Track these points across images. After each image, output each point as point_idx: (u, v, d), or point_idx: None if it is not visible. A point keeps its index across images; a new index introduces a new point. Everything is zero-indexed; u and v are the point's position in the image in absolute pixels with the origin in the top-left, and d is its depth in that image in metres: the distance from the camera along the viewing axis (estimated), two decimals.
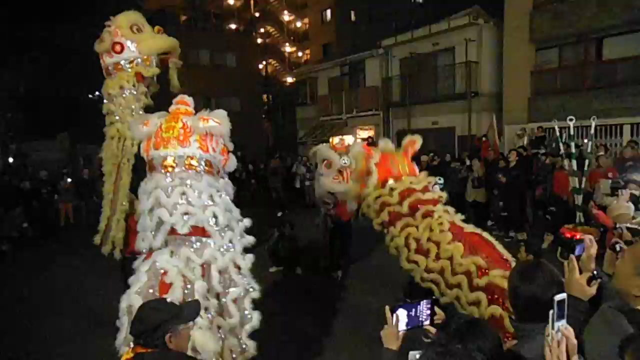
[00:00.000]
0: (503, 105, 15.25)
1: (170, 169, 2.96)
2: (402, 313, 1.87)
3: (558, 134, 8.07)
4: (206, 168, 3.03)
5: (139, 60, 4.42)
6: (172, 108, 3.19)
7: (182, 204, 2.89)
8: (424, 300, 1.93)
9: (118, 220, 4.53)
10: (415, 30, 17.78)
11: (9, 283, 7.58)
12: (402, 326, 1.87)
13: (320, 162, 6.24)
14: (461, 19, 16.37)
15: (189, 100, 3.25)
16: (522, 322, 1.84)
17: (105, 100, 4.55)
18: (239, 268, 3.06)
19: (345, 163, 5.52)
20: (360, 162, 4.39)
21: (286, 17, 34.87)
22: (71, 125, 22.92)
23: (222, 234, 3.01)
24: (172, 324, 2.10)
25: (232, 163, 3.27)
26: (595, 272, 1.83)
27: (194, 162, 2.98)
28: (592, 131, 7.71)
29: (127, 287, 4.96)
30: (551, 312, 1.47)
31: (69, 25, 22.59)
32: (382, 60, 19.24)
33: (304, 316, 5.59)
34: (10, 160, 22.28)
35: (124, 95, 4.41)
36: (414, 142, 4.58)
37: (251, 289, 3.10)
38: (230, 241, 3.05)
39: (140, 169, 4.11)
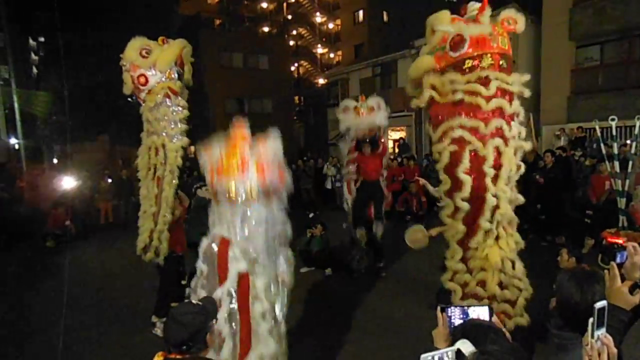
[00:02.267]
0: (541, 105, 14.77)
1: (232, 199, 3.10)
2: (454, 314, 1.80)
3: (599, 134, 7.77)
4: (264, 195, 3.14)
5: (163, 78, 4.61)
6: (230, 133, 3.25)
7: (242, 237, 3.08)
8: (482, 306, 1.83)
9: (161, 231, 4.69)
10: None
11: (53, 277, 7.96)
12: (451, 327, 1.79)
13: (341, 112, 7.46)
14: (497, 17, 15.94)
15: (244, 124, 3.28)
16: (565, 331, 1.78)
17: (142, 109, 4.75)
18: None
19: (360, 104, 7.16)
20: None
21: (318, 18, 35.01)
22: (111, 127, 23.87)
23: (275, 256, 3.22)
24: (209, 322, 2.16)
25: (286, 180, 3.31)
26: (637, 282, 1.75)
27: (252, 191, 3.10)
28: (637, 131, 7.36)
29: (165, 282, 5.13)
30: (591, 320, 1.42)
31: (109, 31, 23.51)
32: (415, 60, 18.98)
33: (330, 318, 5.60)
34: (55, 161, 23.37)
35: (159, 108, 4.62)
36: None
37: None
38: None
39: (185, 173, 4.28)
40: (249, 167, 3.07)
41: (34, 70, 29.28)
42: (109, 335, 5.35)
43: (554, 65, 14.16)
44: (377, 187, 7.33)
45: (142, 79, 4.62)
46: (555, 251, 5.15)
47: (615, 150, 7.15)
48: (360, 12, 29.74)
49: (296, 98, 32.62)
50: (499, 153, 3.38)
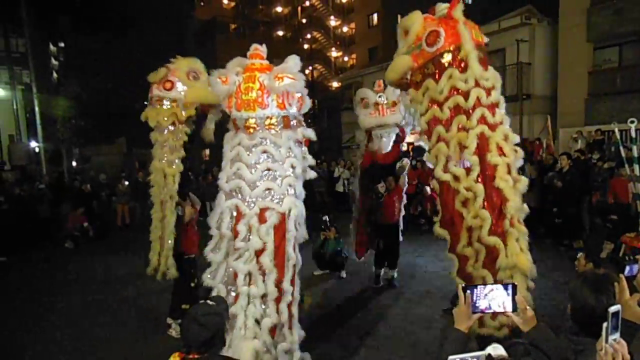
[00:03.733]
0: (558, 107, 14.58)
1: (252, 130, 3.21)
2: (477, 293, 1.77)
3: (618, 137, 7.61)
4: (284, 124, 3.25)
5: (181, 103, 4.60)
6: (247, 62, 3.36)
7: (263, 162, 3.16)
8: (505, 285, 1.79)
9: (167, 256, 4.73)
10: None
11: (70, 276, 8.11)
12: (477, 307, 1.76)
13: (358, 103, 6.52)
14: (513, 19, 15.83)
15: (263, 51, 3.41)
16: (581, 335, 1.76)
17: (144, 113, 4.76)
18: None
19: (381, 99, 6.08)
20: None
21: (333, 22, 35.09)
22: (128, 130, 24.25)
23: (299, 183, 3.28)
24: (225, 321, 2.22)
25: (307, 104, 3.44)
26: None
27: (273, 121, 3.20)
28: None
29: (179, 284, 5.18)
30: (605, 324, 1.41)
31: (128, 36, 23.94)
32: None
33: (342, 321, 5.59)
34: (74, 163, 23.84)
35: (162, 133, 4.62)
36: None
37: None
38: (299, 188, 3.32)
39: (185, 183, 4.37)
40: (268, 97, 3.15)
41: (54, 75, 29.95)
42: (125, 335, 5.43)
43: (571, 67, 13.95)
44: (393, 229, 6.83)
45: (169, 85, 4.63)
46: (573, 256, 5.08)
47: (635, 154, 7.00)
48: (375, 16, 29.74)
49: (310, 101, 32.66)
50: (485, 140, 3.39)
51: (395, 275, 6.93)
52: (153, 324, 5.58)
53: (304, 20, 37.35)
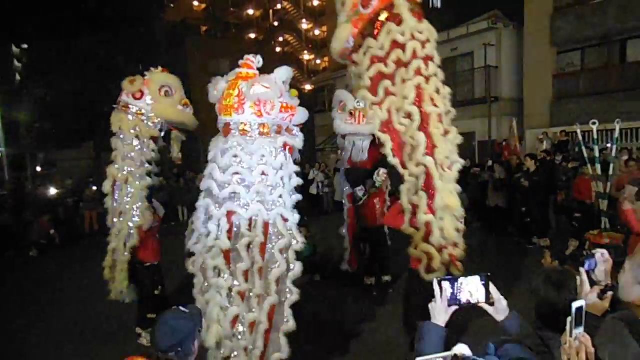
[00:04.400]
0: (524, 110, 15.03)
1: (227, 133, 3.30)
2: (450, 286, 1.76)
3: (581, 138, 7.92)
4: (261, 130, 3.29)
5: (145, 116, 4.53)
6: (237, 70, 3.44)
7: (233, 166, 3.22)
8: (477, 276, 1.79)
9: (121, 270, 4.63)
10: None
11: (36, 288, 7.81)
12: (450, 300, 1.75)
13: (337, 105, 6.48)
14: (480, 23, 16.25)
15: (255, 61, 3.48)
16: (546, 331, 1.80)
17: (112, 117, 4.65)
18: (286, 221, 3.35)
19: (358, 105, 5.88)
20: None
21: (305, 25, 35.14)
22: (96, 134, 23.52)
23: (273, 190, 3.27)
24: (197, 329, 2.19)
25: (301, 115, 3.50)
26: (607, 286, 1.78)
27: (247, 128, 3.27)
28: (617, 135, 7.53)
29: (143, 293, 5.07)
30: (569, 319, 1.44)
31: (95, 37, 23.31)
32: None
33: (319, 329, 5.58)
34: (39, 169, 23.00)
35: (125, 142, 4.54)
36: None
37: (294, 242, 3.35)
38: (281, 196, 3.31)
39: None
40: (244, 104, 3.22)
41: (17, 77, 28.86)
42: (95, 345, 5.26)
43: (537, 70, 14.42)
44: (381, 234, 6.64)
45: (139, 94, 4.55)
46: (541, 254, 5.23)
47: (597, 154, 7.30)
48: None
49: (305, 111, 32.59)
50: (421, 91, 3.58)
51: (389, 279, 6.70)
52: (123, 333, 5.42)
53: (275, 24, 37.26)
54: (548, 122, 13.99)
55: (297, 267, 3.38)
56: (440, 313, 1.74)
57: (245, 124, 3.26)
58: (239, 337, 3.19)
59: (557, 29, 13.81)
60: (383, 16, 3.62)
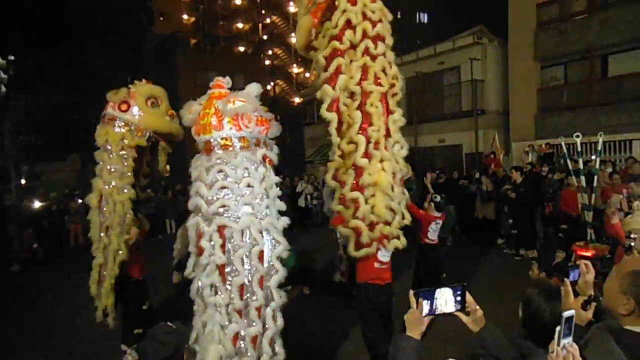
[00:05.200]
0: (510, 122, 15.28)
1: (209, 151, 3.34)
2: (427, 298, 1.75)
3: (565, 150, 8.07)
4: (242, 144, 3.34)
5: (133, 127, 4.51)
6: (209, 92, 3.49)
7: (219, 181, 3.24)
8: (454, 286, 1.80)
9: (108, 285, 4.51)
10: (420, 50, 18.00)
11: (18, 304, 7.62)
12: (426, 311, 1.74)
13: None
14: (466, 38, 16.56)
15: (225, 82, 3.55)
16: (526, 341, 1.81)
17: (97, 132, 4.59)
18: (275, 228, 3.39)
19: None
20: None
21: (293, 39, 35.44)
22: (82, 146, 23.22)
23: (260, 201, 3.31)
24: (185, 343, 2.20)
25: (275, 129, 3.54)
26: (591, 296, 1.80)
27: (228, 143, 3.32)
28: (600, 147, 7.69)
29: (126, 309, 4.97)
30: (558, 328, 1.45)
31: (81, 49, 23.18)
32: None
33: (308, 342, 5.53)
34: (23, 181, 22.60)
35: (111, 155, 4.47)
36: None
37: (277, 244, 3.36)
38: (267, 207, 3.36)
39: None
40: (222, 120, 3.27)
41: (3, 88, 28.53)
42: None
43: (521, 84, 14.70)
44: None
45: (125, 106, 4.51)
46: (528, 265, 5.27)
47: (581, 166, 7.43)
48: None
49: (278, 125, 32.73)
50: (366, 69, 3.62)
51: None
52: (107, 352, 5.30)
53: (265, 37, 37.52)
54: (533, 135, 14.22)
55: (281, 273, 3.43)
56: (415, 325, 1.72)
57: (226, 139, 3.31)
58: (244, 353, 3.15)
59: (540, 44, 14.14)
60: (338, 1, 3.67)
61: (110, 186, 4.47)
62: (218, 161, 3.27)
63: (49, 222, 12.48)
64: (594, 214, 7.29)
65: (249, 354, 3.16)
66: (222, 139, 3.30)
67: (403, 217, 3.74)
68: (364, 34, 3.60)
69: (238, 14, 41.68)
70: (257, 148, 3.43)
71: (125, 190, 4.50)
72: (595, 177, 7.35)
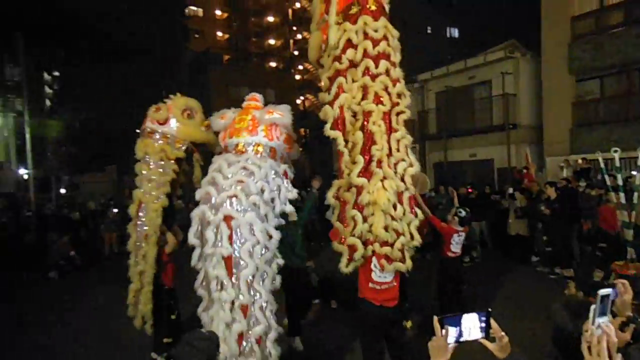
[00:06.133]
0: (544, 137, 14.91)
1: (240, 152, 3.45)
2: (451, 324, 1.71)
3: (603, 165, 7.80)
4: (270, 154, 3.49)
5: (171, 139, 4.67)
6: (244, 104, 3.64)
7: (238, 174, 3.34)
8: (478, 312, 1.75)
9: (147, 293, 4.62)
10: (450, 65, 17.91)
11: (53, 308, 7.90)
12: (452, 339, 1.70)
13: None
14: (497, 52, 16.38)
15: (260, 97, 3.72)
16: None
17: (137, 146, 4.78)
18: (271, 237, 3.45)
19: None
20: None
21: None
22: (119, 158, 24.13)
23: (264, 207, 3.41)
24: (218, 350, 2.30)
25: (295, 151, 3.71)
26: (629, 317, 1.74)
27: (260, 149, 3.45)
28: None
29: (157, 318, 5.06)
30: (593, 307, 1.41)
31: (122, 66, 24.23)
32: (418, 93, 19.38)
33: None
34: (63, 190, 23.59)
35: (151, 165, 4.64)
36: None
37: (266, 251, 3.42)
38: (266, 215, 3.43)
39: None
40: (258, 126, 3.39)
41: (48, 102, 30.08)
42: None
43: (555, 98, 14.36)
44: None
45: (164, 121, 4.70)
46: (564, 284, 5.09)
47: (620, 182, 7.16)
48: None
49: (302, 130, 33.10)
50: (366, 89, 3.59)
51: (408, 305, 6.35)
52: (139, 358, 5.42)
53: (295, 52, 38.18)
54: (568, 150, 13.82)
55: (278, 280, 3.51)
56: (440, 353, 1.68)
57: (259, 145, 3.42)
58: (249, 353, 3.12)
59: (575, 57, 13.81)
60: (340, 19, 3.69)
61: (149, 195, 4.63)
62: (248, 161, 3.34)
63: (86, 231, 12.95)
64: (634, 232, 6.99)
65: (254, 354, 3.11)
66: (255, 143, 3.38)
67: (412, 238, 3.61)
68: (365, 53, 3.59)
69: (270, 30, 42.68)
70: (282, 162, 3.49)
71: (160, 198, 4.64)
72: (636, 194, 7.05)
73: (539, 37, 14.81)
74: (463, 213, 5.89)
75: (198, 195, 3.41)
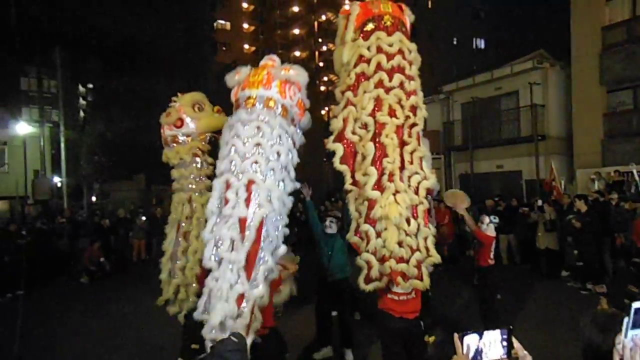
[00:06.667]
0: (574, 149, 14.55)
1: (251, 105, 3.37)
2: (472, 341, 1.68)
3: (637, 177, 7.57)
4: (282, 112, 3.40)
5: (195, 136, 4.80)
6: (261, 63, 3.64)
7: (255, 137, 3.27)
8: (499, 329, 1.72)
9: (189, 285, 4.71)
10: (476, 75, 17.75)
11: (84, 312, 8.13)
12: (472, 356, 1.68)
13: None
14: (524, 63, 16.15)
15: (276, 58, 3.71)
16: None
17: (164, 156, 4.93)
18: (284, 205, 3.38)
19: None
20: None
21: None
22: (147, 167, 24.77)
23: (281, 171, 3.34)
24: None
25: (307, 120, 3.61)
26: None
27: (271, 104, 3.37)
28: None
29: (190, 323, 5.12)
30: (626, 319, 1.38)
31: (150, 78, 24.99)
32: (443, 105, 19.24)
33: None
34: (94, 198, 24.32)
35: (187, 167, 4.78)
36: None
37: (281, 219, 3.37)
38: (283, 180, 3.37)
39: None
40: (272, 81, 3.35)
41: (81, 113, 31.28)
42: None
43: (586, 109, 14.02)
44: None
45: (179, 122, 4.85)
46: (596, 300, 4.94)
47: None
48: None
49: (326, 140, 33.31)
50: (380, 102, 3.59)
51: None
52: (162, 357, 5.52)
53: (320, 64, 38.55)
54: (599, 162, 13.43)
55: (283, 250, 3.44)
56: None
57: (271, 99, 3.36)
58: (244, 315, 3.11)
59: (606, 68, 13.49)
60: (356, 35, 3.76)
61: (194, 193, 4.76)
62: (260, 117, 3.31)
63: (115, 238, 13.30)
64: None
65: (247, 316, 3.10)
66: (267, 97, 3.34)
67: (428, 254, 3.55)
68: (379, 66, 3.62)
69: (296, 42, 43.29)
70: (293, 124, 3.48)
71: (203, 192, 4.76)
72: None
73: (569, 47, 14.55)
74: (497, 219, 5.98)
75: (221, 167, 3.36)
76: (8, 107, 20.04)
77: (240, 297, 3.11)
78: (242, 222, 3.16)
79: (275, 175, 3.28)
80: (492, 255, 5.93)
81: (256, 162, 3.24)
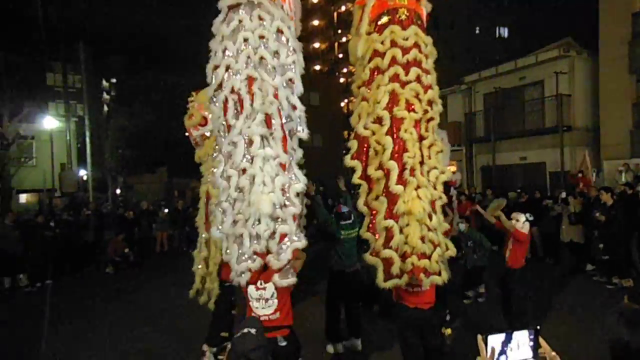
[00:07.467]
0: (600, 140, 14.13)
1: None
2: (497, 342, 1.65)
3: None
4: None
5: None
6: None
7: (258, 29, 3.41)
8: (526, 330, 1.69)
9: (211, 272, 4.88)
10: (500, 65, 17.36)
11: (109, 301, 8.36)
12: (500, 357, 1.64)
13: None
14: (550, 52, 15.71)
15: None
16: None
17: (197, 155, 5.03)
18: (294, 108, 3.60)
19: None
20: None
21: None
22: (169, 160, 25.20)
23: (286, 70, 3.55)
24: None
25: (297, 27, 3.98)
26: None
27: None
28: None
29: (218, 311, 5.21)
30: None
31: (172, 73, 25.33)
32: (465, 95, 18.90)
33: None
34: (118, 191, 24.88)
35: (213, 160, 4.79)
36: None
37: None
38: (291, 80, 3.61)
39: None
40: None
41: (105, 108, 31.97)
42: None
43: (613, 99, 13.58)
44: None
45: (203, 121, 4.92)
46: (623, 295, 4.80)
47: None
48: None
49: (345, 133, 33.16)
50: (396, 96, 3.56)
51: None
52: (185, 350, 5.62)
53: (340, 55, 38.31)
54: (628, 153, 13.02)
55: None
56: None
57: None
58: (289, 205, 3.22)
59: (636, 55, 13.00)
60: (371, 28, 3.76)
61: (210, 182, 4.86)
62: (262, 13, 3.40)
63: (139, 229, 13.60)
64: None
65: (293, 205, 3.21)
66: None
67: (447, 249, 3.57)
68: (394, 60, 3.59)
69: (315, 34, 43.09)
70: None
71: None
72: None
73: (597, 35, 14.07)
74: (531, 217, 5.94)
75: (237, 65, 3.51)
76: (36, 102, 20.57)
77: (283, 187, 3.20)
78: (268, 118, 3.26)
79: (278, 76, 3.42)
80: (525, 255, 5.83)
81: (262, 58, 3.36)
